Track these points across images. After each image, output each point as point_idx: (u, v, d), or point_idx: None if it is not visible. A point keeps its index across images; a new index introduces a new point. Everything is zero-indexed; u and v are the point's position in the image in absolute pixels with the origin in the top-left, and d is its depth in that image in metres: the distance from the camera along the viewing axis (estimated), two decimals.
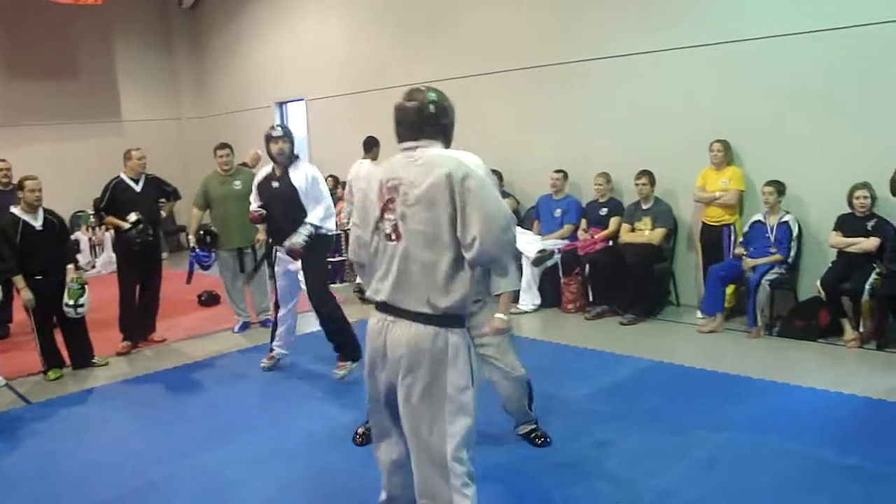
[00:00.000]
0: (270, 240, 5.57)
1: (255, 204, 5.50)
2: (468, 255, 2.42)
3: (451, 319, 2.48)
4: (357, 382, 5.32)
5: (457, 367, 2.48)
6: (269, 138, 5.29)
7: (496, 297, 2.90)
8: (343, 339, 5.38)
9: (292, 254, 5.20)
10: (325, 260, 5.80)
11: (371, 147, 8.12)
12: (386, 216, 2.54)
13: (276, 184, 5.33)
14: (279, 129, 5.36)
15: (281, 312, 5.60)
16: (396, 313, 2.53)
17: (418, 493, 2.57)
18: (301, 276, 5.37)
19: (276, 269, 5.54)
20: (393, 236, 2.53)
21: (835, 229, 5.80)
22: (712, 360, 5.34)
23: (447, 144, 2.65)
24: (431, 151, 2.54)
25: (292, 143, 5.36)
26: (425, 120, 2.59)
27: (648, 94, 7.02)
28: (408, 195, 2.47)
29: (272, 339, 5.72)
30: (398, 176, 2.53)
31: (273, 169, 5.39)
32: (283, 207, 5.26)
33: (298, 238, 5.15)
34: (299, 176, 5.27)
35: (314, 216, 5.23)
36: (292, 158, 5.35)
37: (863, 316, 5.58)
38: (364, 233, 2.65)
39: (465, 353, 2.51)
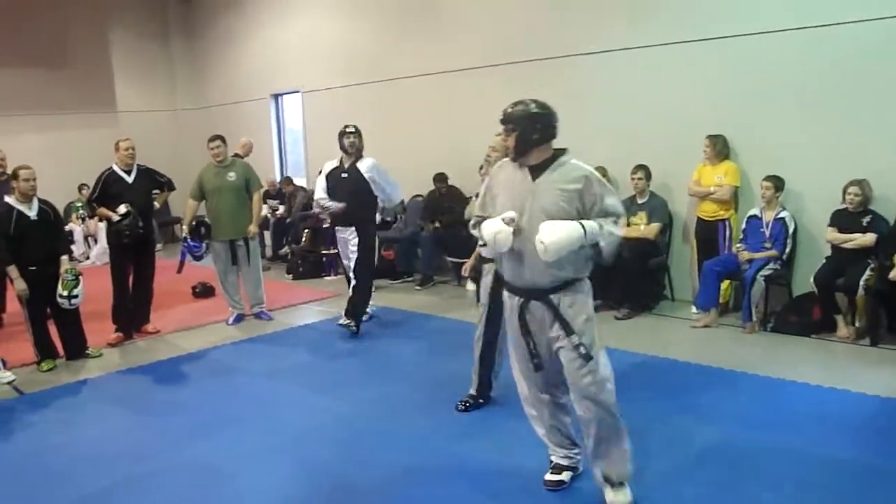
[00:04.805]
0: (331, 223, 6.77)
1: (322, 193, 6.45)
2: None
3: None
4: (348, 374, 5.35)
5: None
6: (343, 134, 6.37)
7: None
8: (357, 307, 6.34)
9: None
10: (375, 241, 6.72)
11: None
12: None
13: (344, 174, 6.37)
14: (351, 126, 6.45)
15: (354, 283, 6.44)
16: None
17: None
18: (354, 247, 6.36)
19: (341, 249, 6.67)
20: None
21: (830, 225, 5.81)
22: (706, 355, 5.35)
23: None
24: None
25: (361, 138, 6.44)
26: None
27: (644, 88, 7.00)
28: None
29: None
30: None
31: (342, 160, 6.43)
32: (350, 193, 6.30)
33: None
34: (365, 166, 6.34)
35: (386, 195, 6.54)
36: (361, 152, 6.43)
37: (857, 312, 5.59)
38: None
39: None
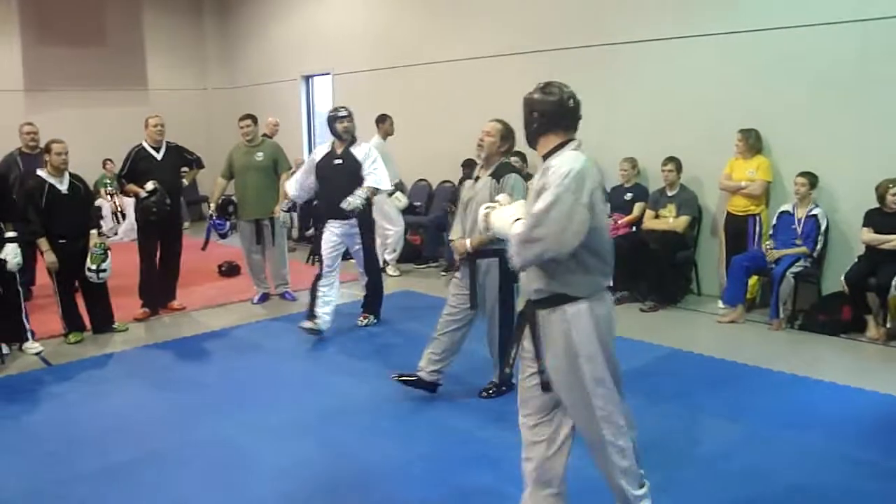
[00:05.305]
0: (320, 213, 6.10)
1: (294, 188, 6.08)
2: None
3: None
4: (371, 357, 5.35)
5: None
6: (335, 118, 5.85)
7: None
8: (375, 299, 6.23)
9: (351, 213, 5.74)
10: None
11: (378, 123, 8.08)
12: None
13: (338, 161, 5.83)
14: (344, 109, 5.94)
15: (327, 280, 5.81)
16: None
17: None
18: (358, 245, 5.92)
19: (326, 236, 5.85)
20: None
21: (865, 225, 5.69)
22: (732, 351, 5.29)
23: None
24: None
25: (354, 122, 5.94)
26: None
27: (678, 80, 6.91)
28: None
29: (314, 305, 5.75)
30: None
31: (334, 146, 5.89)
32: (346, 181, 5.74)
33: (356, 200, 5.64)
34: (361, 152, 5.86)
35: (372, 180, 5.81)
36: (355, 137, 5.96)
37: (889, 312, 5.50)
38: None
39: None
